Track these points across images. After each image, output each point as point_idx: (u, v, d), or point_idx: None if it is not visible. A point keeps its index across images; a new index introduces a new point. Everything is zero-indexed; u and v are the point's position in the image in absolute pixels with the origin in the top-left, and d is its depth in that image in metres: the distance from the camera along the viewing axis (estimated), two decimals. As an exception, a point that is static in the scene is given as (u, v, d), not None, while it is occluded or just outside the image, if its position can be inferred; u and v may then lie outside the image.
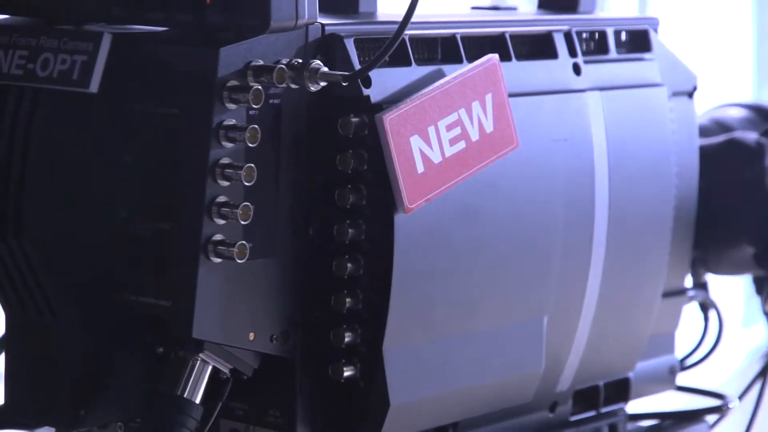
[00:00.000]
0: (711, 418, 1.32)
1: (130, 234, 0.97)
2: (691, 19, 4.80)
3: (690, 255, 1.23)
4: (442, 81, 1.00)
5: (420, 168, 0.97)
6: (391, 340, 0.99)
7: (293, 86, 0.93)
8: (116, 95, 0.96)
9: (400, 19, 1.02)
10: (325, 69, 0.93)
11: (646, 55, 1.17)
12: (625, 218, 1.13)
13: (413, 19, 1.02)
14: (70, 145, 0.99)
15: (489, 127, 1.01)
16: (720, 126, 1.30)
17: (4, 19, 1.03)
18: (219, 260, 0.92)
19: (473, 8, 1.17)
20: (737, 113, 1.34)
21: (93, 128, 0.98)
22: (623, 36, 1.17)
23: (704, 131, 1.30)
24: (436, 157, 0.99)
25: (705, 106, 4.37)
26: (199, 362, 0.96)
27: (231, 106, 0.91)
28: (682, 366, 1.30)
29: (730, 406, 1.26)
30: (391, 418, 1.00)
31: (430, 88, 0.99)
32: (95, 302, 0.99)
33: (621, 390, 1.19)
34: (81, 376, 1.01)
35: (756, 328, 5.71)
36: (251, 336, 0.96)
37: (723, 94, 5.11)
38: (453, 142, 1.00)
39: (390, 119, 0.96)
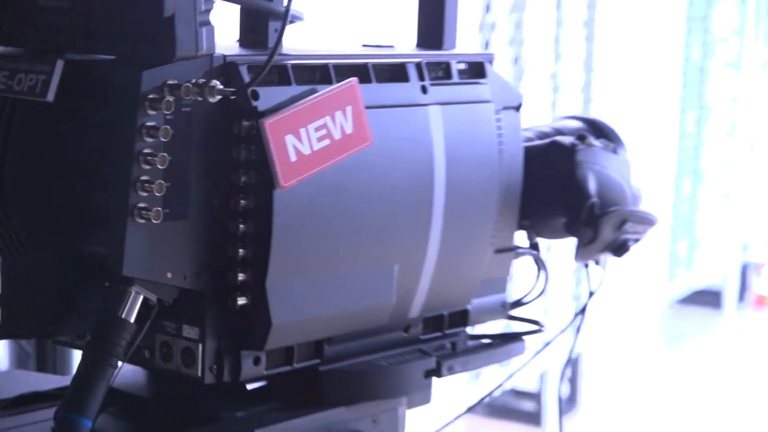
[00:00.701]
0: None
1: (85, 203, 0.97)
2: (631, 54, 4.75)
3: (516, 224, 1.22)
4: (313, 96, 1.00)
5: (293, 158, 0.98)
6: (272, 280, 1.00)
7: (198, 99, 0.94)
8: (72, 103, 0.96)
9: (295, 53, 1.04)
10: (220, 86, 0.94)
11: (481, 80, 1.17)
12: (458, 196, 1.13)
13: (300, 51, 1.06)
14: (39, 139, 1.00)
15: (348, 129, 1.02)
16: (557, 132, 1.31)
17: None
18: (142, 221, 0.92)
19: (363, 45, 1.17)
20: (573, 124, 1.34)
21: (56, 126, 0.98)
22: (464, 66, 1.17)
23: (544, 135, 1.30)
24: (305, 150, 0.99)
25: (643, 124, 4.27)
26: (133, 293, 0.96)
27: (151, 112, 0.92)
28: (520, 303, 1.29)
29: (543, 330, 1.28)
30: (272, 334, 1.01)
31: (304, 101, 1.00)
32: (63, 251, 1.00)
33: (462, 318, 1.19)
34: (51, 302, 1.02)
35: (676, 282, 5.70)
36: (169, 275, 0.97)
37: (653, 117, 5.10)
38: (320, 139, 1.00)
39: (269, 123, 0.97)
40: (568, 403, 4.59)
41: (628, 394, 4.84)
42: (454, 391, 3.65)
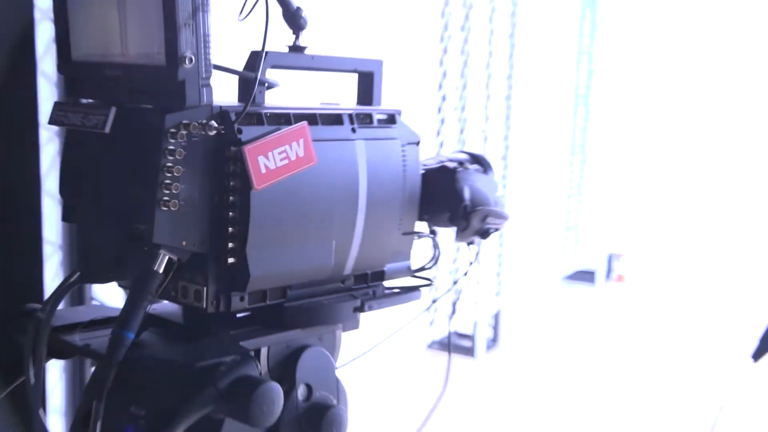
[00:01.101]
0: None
1: (130, 197, 0.97)
2: (537, 119, 4.73)
3: (416, 217, 1.20)
4: (277, 132, 1.00)
5: (263, 170, 0.97)
6: (250, 247, 0.99)
7: (202, 133, 0.94)
8: (122, 134, 0.96)
9: (269, 105, 1.04)
10: (215, 125, 0.95)
11: (392, 126, 1.15)
12: (375, 198, 1.11)
13: (273, 104, 1.04)
14: (102, 156, 1.00)
15: (301, 153, 1.01)
16: (449, 160, 1.27)
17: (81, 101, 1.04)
18: (166, 209, 0.93)
19: (321, 103, 1.14)
20: (461, 156, 1.30)
21: (112, 148, 0.98)
22: (382, 116, 1.15)
23: (440, 162, 1.26)
24: (272, 166, 0.98)
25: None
26: (161, 254, 0.96)
27: (171, 140, 0.92)
28: (422, 268, 1.25)
29: (432, 284, 1.23)
30: (251, 282, 1.00)
31: (271, 135, 0.99)
32: (118, 227, 1.00)
33: (380, 275, 1.18)
34: (112, 260, 1.02)
35: (566, 265, 5.64)
36: (183, 243, 0.96)
37: (552, 160, 5.07)
38: (281, 159, 0.99)
39: (248, 148, 0.97)
40: (491, 342, 4.57)
41: (536, 335, 4.83)
42: (418, 331, 3.65)
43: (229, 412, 0.95)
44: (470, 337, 4.40)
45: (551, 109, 5.09)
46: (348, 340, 1.17)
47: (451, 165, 1.23)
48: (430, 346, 4.18)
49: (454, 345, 4.37)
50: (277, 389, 0.95)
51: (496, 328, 4.61)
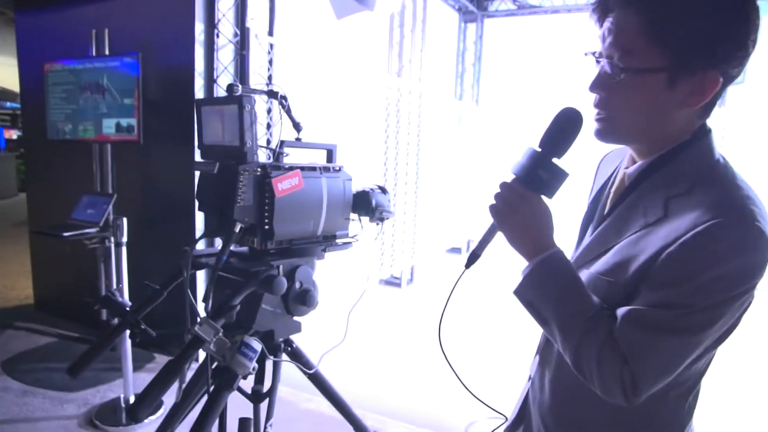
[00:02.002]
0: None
1: (224, 198, 0.99)
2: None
3: (350, 212, 1.16)
4: (286, 173, 1.06)
5: (280, 189, 1.04)
6: (275, 221, 1.03)
7: (254, 173, 1.02)
8: (222, 173, 1.02)
9: (286, 161, 1.07)
10: (260, 170, 1.02)
11: (339, 172, 1.12)
12: (330, 203, 1.11)
13: (288, 161, 1.08)
14: (213, 183, 1.05)
15: (297, 182, 1.06)
16: (368, 187, 1.22)
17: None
18: (239, 204, 0.99)
19: (309, 161, 1.12)
20: (374, 185, 1.21)
21: (217, 180, 1.04)
22: (335, 167, 1.12)
23: (364, 188, 1.19)
24: (284, 187, 1.04)
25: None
26: (237, 224, 1.01)
27: (241, 177, 1.00)
28: (354, 236, 1.17)
29: (357, 240, 1.15)
30: (275, 237, 1.04)
31: (284, 174, 1.06)
32: (221, 212, 1.03)
33: (334, 237, 1.14)
34: (215, 227, 1.05)
35: (448, 243, 5.64)
36: (246, 219, 1.02)
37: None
38: (288, 184, 1.05)
39: (274, 180, 1.04)
40: (410, 281, 4.66)
41: (432, 278, 4.93)
42: (369, 273, 3.75)
43: (264, 288, 1.05)
44: (399, 278, 4.50)
45: (439, 165, 5.23)
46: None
47: (368, 189, 1.26)
48: (380, 282, 4.31)
49: (390, 282, 4.47)
50: (284, 280, 1.06)
51: (412, 273, 4.70)
